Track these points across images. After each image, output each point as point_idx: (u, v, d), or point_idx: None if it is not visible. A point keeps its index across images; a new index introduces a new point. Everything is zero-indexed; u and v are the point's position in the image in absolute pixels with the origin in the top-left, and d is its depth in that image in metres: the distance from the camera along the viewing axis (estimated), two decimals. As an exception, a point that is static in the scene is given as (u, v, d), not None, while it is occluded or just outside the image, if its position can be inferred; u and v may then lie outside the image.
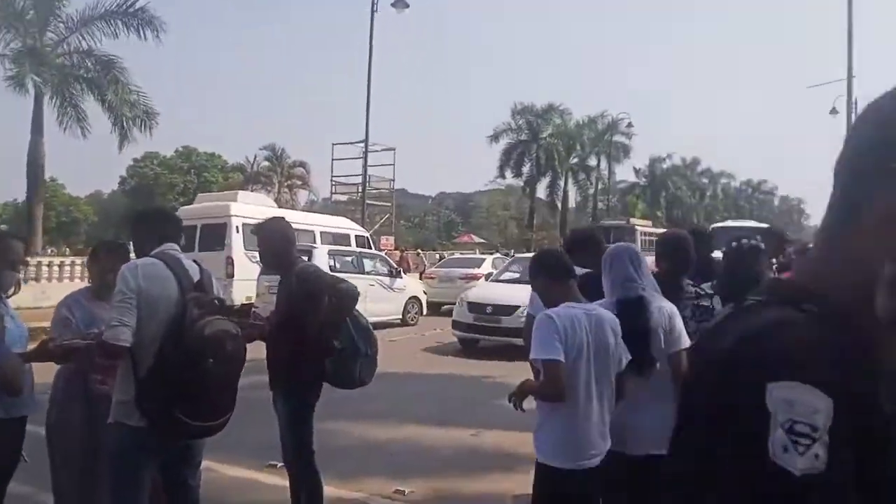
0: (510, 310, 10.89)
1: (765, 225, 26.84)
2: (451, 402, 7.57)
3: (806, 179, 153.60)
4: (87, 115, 21.71)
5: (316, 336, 3.48)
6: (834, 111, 36.01)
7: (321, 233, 16.57)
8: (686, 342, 2.91)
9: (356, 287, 3.61)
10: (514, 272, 12.96)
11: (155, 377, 2.70)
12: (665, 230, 5.20)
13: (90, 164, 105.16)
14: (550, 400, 2.68)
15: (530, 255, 15.11)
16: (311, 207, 43.27)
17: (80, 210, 60.16)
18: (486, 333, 11.45)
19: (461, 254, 26.86)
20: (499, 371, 9.07)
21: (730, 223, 33.27)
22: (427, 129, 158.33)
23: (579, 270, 3.42)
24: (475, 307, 11.54)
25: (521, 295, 10.43)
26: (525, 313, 8.28)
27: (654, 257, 3.64)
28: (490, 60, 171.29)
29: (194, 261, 3.11)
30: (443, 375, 9.51)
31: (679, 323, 2.96)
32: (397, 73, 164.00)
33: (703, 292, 3.34)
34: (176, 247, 3.06)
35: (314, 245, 14.00)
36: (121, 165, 58.11)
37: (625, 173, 62.41)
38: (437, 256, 29.94)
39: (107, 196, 69.41)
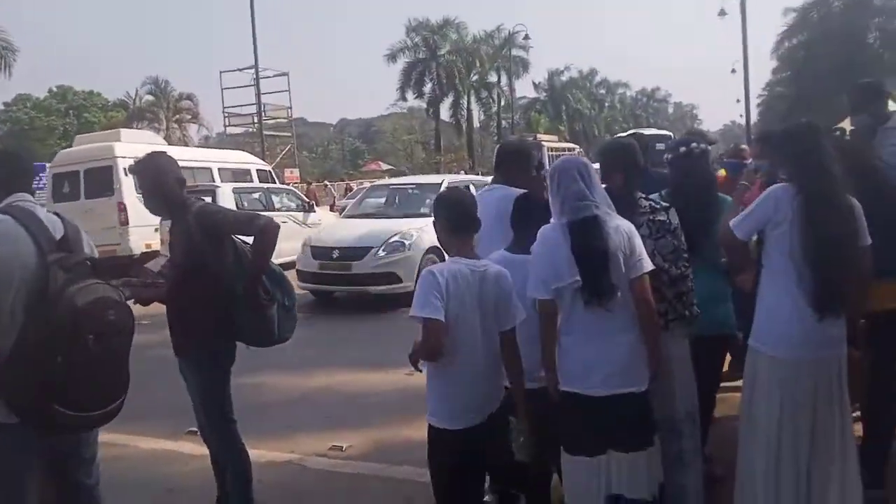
0: (361, 252, 9.08)
1: (666, 132, 27.68)
2: (382, 344, 7.10)
3: (696, 85, 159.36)
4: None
5: (226, 288, 2.95)
6: (722, 13, 37.08)
7: (219, 170, 15.47)
8: (648, 265, 2.61)
9: (274, 220, 3.04)
10: (374, 205, 11.40)
11: (18, 362, 2.14)
12: (608, 141, 4.71)
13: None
14: (427, 359, 2.50)
15: (390, 181, 14.14)
16: (206, 143, 40.86)
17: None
18: (335, 283, 9.55)
19: (371, 182, 26.07)
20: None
21: (639, 131, 33.80)
22: (322, 52, 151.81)
23: (512, 191, 3.10)
24: (320, 252, 9.49)
25: (377, 233, 9.36)
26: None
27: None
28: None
29: (55, 213, 2.49)
30: (370, 317, 8.87)
31: (639, 243, 2.64)
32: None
33: (657, 205, 2.98)
34: (29, 197, 2.43)
35: (215, 184, 12.99)
36: (-11, 111, 52.71)
37: (524, 90, 62.35)
38: (346, 187, 29.05)
39: (-25, 146, 63.10)
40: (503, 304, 2.55)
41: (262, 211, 13.29)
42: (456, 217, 2.62)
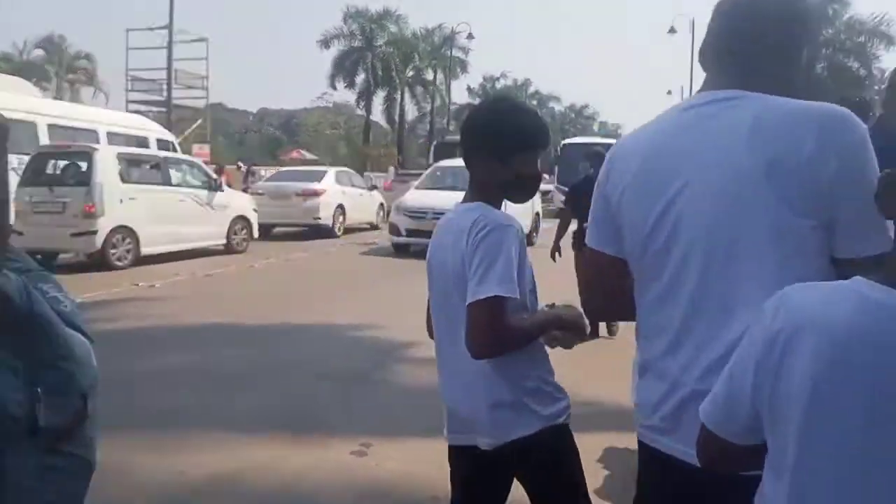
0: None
1: (612, 140, 26.75)
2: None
3: (623, 106, 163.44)
4: None
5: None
6: (672, 30, 36.50)
7: (108, 134, 12.42)
8: None
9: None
10: (440, 182, 13.49)
11: None
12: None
13: None
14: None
15: (453, 162, 13.75)
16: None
17: None
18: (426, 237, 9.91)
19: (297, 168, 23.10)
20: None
21: (580, 139, 33.13)
22: (247, 35, 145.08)
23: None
24: (414, 213, 12.16)
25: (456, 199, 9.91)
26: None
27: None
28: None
29: None
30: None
31: None
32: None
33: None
34: None
35: (92, 145, 9.98)
36: None
37: (458, 94, 60.61)
38: (263, 172, 25.97)
39: None
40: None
41: (155, 183, 10.42)
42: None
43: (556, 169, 26.61)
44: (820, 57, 31.02)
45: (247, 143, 69.52)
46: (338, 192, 16.46)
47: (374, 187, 20.35)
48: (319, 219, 15.65)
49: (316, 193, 15.72)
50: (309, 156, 49.15)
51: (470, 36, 37.63)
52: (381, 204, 19.58)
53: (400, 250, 12.25)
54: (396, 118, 46.72)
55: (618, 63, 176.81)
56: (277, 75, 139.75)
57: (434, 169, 15.15)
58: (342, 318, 6.72)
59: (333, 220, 16.02)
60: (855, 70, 31.53)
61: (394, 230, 12.61)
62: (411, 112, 49.42)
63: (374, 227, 18.70)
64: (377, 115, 48.14)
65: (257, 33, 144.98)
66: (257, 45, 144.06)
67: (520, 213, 11.13)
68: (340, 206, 16.40)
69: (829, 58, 31.18)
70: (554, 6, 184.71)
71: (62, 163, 10.10)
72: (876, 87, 39.01)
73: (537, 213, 14.95)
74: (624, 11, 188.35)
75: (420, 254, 9.22)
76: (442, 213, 9.54)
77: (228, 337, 5.98)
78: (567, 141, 29.97)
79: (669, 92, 62.97)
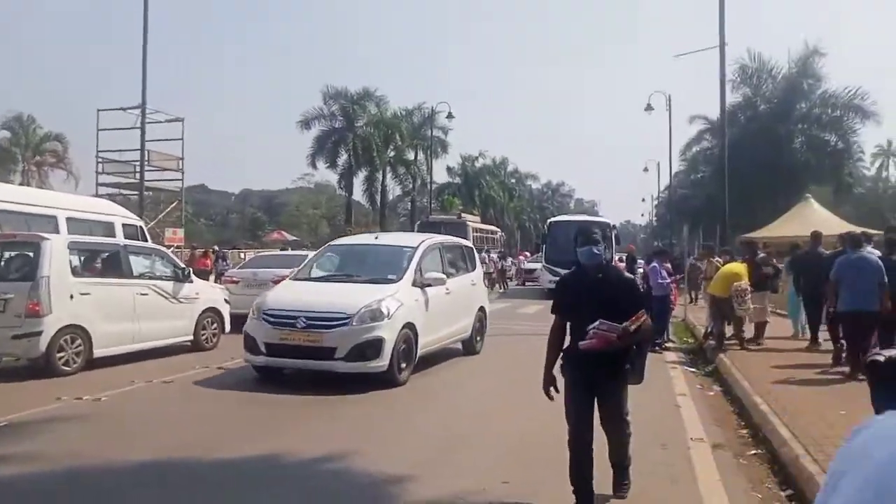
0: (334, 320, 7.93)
1: (600, 218, 26.40)
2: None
3: (597, 182, 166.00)
4: None
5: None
6: (649, 108, 36.82)
7: (69, 219, 11.41)
8: None
9: None
10: (331, 268, 9.87)
11: None
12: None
13: None
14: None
15: (352, 240, 11.67)
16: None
17: None
18: (296, 356, 8.00)
19: (277, 251, 22.04)
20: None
21: (567, 217, 32.85)
22: (228, 119, 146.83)
23: None
24: (276, 318, 8.06)
25: (350, 299, 8.13)
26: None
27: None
28: (300, 47, 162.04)
29: None
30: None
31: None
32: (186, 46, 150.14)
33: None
34: None
35: (41, 234, 8.91)
36: None
37: (437, 173, 60.74)
38: (242, 256, 24.95)
39: None
40: None
41: (112, 277, 9.33)
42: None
43: (543, 248, 26.03)
44: (797, 132, 31.37)
45: (229, 224, 68.97)
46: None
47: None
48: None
49: (295, 280, 14.70)
50: (290, 236, 48.34)
51: (450, 115, 37.64)
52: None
53: (269, 378, 8.19)
54: (378, 197, 46.33)
55: (594, 141, 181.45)
56: (259, 156, 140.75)
57: (326, 248, 10.86)
58: (321, 446, 5.58)
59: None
60: (833, 144, 31.72)
61: (249, 345, 8.20)
62: (393, 191, 49.26)
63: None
64: (358, 194, 47.83)
65: (238, 114, 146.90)
66: (239, 125, 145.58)
67: (460, 310, 10.03)
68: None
69: (805, 132, 31.45)
70: (529, 85, 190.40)
71: (8, 254, 9.04)
72: (865, 162, 39.81)
73: (482, 309, 11.10)
74: (600, 90, 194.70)
75: (303, 379, 7.79)
76: (325, 319, 8.07)
77: (176, 488, 4.77)
78: (554, 219, 29.51)
79: (646, 169, 63.96)
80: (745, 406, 7.03)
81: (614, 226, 28.08)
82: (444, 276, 9.50)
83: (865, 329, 8.16)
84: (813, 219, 21.87)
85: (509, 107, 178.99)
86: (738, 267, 11.00)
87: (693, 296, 21.84)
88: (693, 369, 9.87)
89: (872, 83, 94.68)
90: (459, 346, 10.60)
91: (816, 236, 11.39)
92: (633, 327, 3.92)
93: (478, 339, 10.98)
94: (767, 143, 30.02)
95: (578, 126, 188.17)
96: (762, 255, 12.11)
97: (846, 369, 8.41)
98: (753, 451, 5.66)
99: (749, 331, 11.05)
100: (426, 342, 8.90)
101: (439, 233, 29.76)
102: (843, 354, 8.85)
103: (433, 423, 6.63)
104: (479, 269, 12.04)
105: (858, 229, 15.40)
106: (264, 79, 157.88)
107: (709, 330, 11.93)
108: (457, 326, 10.10)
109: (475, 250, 12.37)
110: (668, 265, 12.27)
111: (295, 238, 46.56)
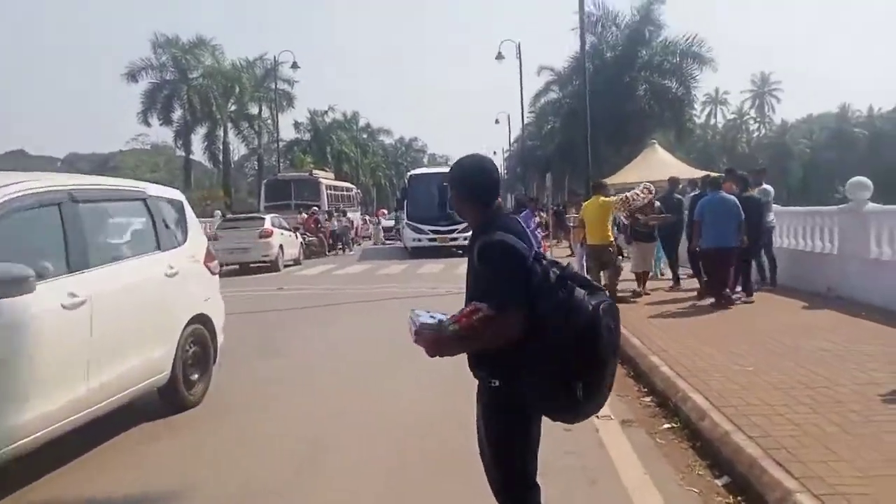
0: None
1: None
2: None
3: (450, 137, 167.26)
4: None
5: None
6: (500, 56, 36.39)
7: None
8: None
9: None
10: None
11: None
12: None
13: None
14: None
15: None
16: None
17: None
18: None
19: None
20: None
21: (426, 170, 31.59)
22: (49, 76, 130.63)
23: None
24: None
25: None
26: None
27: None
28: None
29: None
30: None
31: None
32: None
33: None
34: None
35: None
36: None
37: (285, 129, 57.57)
38: None
39: None
40: None
41: None
42: None
43: (405, 204, 24.02)
44: (640, 79, 32.13)
45: None
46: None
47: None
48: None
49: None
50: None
51: (294, 65, 35.10)
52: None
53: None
54: (220, 156, 42.86)
55: (445, 94, 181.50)
56: (86, 115, 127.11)
57: None
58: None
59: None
60: (674, 91, 32.87)
61: None
62: (238, 150, 45.88)
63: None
64: (199, 154, 44.00)
65: (61, 71, 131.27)
66: (62, 83, 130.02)
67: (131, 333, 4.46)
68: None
69: (648, 80, 32.29)
70: (377, 37, 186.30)
71: None
72: (696, 109, 41.94)
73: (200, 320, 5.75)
74: (449, 42, 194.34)
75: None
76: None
77: None
78: (415, 172, 27.68)
79: (497, 121, 64.52)
80: (642, 368, 6.35)
81: None
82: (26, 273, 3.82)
83: (727, 263, 9.08)
84: (658, 163, 22.47)
85: (357, 60, 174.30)
86: (596, 201, 9.95)
87: (560, 236, 22.57)
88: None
89: (706, 30, 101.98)
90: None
91: (674, 181, 12.04)
92: (452, 326, 2.32)
93: (194, 377, 5.72)
94: (614, 91, 30.48)
95: (431, 79, 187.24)
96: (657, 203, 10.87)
97: (711, 300, 9.23)
98: (668, 425, 4.90)
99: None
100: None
101: (290, 192, 28.08)
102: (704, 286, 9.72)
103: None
104: (196, 242, 6.12)
105: (704, 172, 16.39)
106: (87, 26, 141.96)
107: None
108: (120, 369, 4.74)
109: (184, 204, 6.24)
110: (540, 217, 11.54)
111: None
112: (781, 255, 10.90)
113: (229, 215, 24.28)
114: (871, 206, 9.27)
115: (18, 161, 68.47)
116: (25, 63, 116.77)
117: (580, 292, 2.27)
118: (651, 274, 11.63)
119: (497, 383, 2.44)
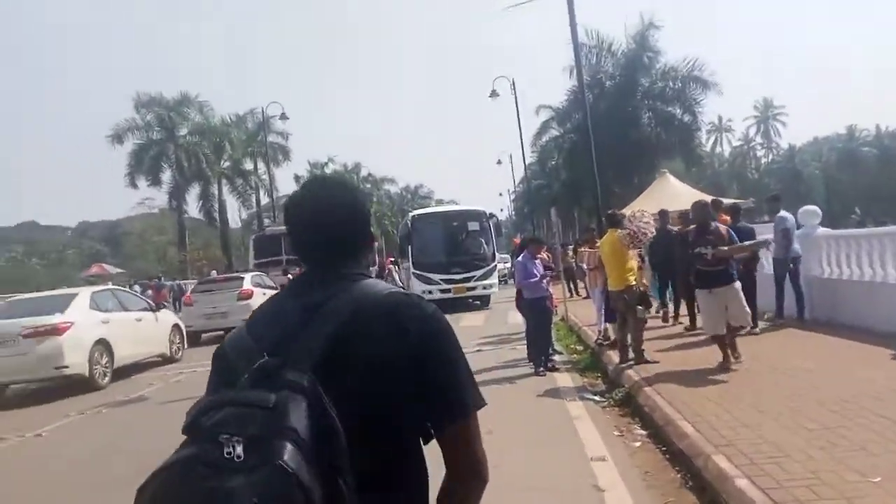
0: None
1: (472, 207, 23.18)
2: None
3: (455, 180, 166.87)
4: None
5: None
6: (494, 94, 35.06)
7: None
8: None
9: None
10: None
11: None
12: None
13: None
14: None
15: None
16: None
17: None
18: None
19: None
20: None
21: (432, 209, 29.37)
22: (54, 148, 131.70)
23: None
24: None
25: None
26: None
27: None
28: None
29: None
30: None
31: None
32: None
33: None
34: None
35: None
36: None
37: (285, 184, 56.34)
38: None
39: None
40: None
41: None
42: None
43: (409, 250, 21.15)
44: (643, 107, 30.63)
45: (67, 261, 61.00)
46: (95, 324, 11.62)
47: (161, 306, 15.42)
48: (66, 367, 10.80)
49: (54, 331, 10.80)
50: (114, 269, 42.42)
51: (283, 116, 33.75)
52: (176, 325, 14.73)
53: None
54: (216, 215, 41.43)
55: (446, 138, 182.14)
56: (95, 183, 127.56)
57: None
58: None
59: (91, 365, 11.15)
60: (679, 117, 31.36)
61: None
62: (235, 207, 44.41)
63: (168, 359, 13.87)
64: (196, 213, 42.61)
65: (66, 141, 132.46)
66: (68, 154, 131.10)
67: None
68: (102, 342, 11.56)
69: (652, 108, 30.81)
70: (373, 87, 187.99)
71: None
72: (704, 132, 40.32)
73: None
74: (446, 86, 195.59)
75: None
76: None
77: None
78: (417, 212, 24.94)
79: (499, 161, 63.17)
80: (701, 474, 4.38)
81: (492, 214, 22.47)
82: None
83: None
84: (670, 192, 20.75)
85: (354, 110, 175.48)
86: (612, 236, 8.26)
87: (572, 287, 19.83)
88: (595, 397, 7.23)
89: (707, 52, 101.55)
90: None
91: (663, 213, 11.39)
92: None
93: None
94: (617, 121, 29.05)
95: (430, 126, 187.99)
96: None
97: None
98: None
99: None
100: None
101: (279, 247, 26.11)
102: None
103: None
104: None
105: (712, 198, 15.14)
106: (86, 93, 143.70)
107: (601, 337, 9.80)
108: None
109: None
110: (544, 256, 9.58)
111: (121, 270, 40.76)
112: (823, 287, 9.63)
113: (205, 277, 22.56)
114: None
115: (29, 232, 67.74)
116: (33, 134, 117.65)
117: None
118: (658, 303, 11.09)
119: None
